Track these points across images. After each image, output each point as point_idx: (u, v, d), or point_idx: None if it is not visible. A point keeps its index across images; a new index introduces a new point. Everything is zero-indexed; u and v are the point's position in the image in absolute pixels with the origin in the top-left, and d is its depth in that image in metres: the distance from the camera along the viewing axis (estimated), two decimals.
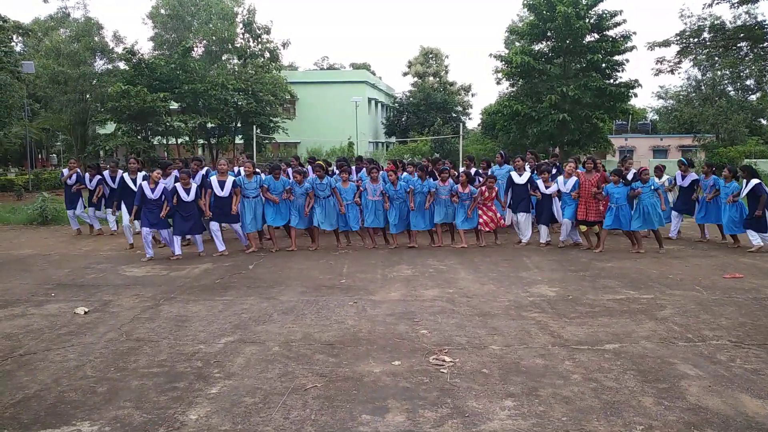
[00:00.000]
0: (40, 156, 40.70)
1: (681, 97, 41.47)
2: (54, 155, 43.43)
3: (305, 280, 8.01)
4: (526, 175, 10.73)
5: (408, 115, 47.43)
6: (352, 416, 3.83)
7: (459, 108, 51.36)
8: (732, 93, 36.58)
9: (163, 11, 34.68)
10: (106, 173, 12.36)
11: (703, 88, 37.59)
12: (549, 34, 26.92)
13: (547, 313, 6.23)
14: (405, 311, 6.34)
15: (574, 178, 10.23)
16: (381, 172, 11.06)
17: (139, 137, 28.14)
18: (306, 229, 10.63)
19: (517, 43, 30.40)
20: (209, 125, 31.38)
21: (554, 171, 11.60)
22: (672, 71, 26.57)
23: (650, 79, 36.06)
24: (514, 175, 10.80)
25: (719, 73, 33.40)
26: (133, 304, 6.74)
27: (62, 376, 4.56)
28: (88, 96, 32.70)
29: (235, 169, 11.50)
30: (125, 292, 7.34)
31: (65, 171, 12.95)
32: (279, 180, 10.23)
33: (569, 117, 25.55)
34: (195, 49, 33.46)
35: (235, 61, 35.19)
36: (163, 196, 9.60)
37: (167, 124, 28.91)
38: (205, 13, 33.93)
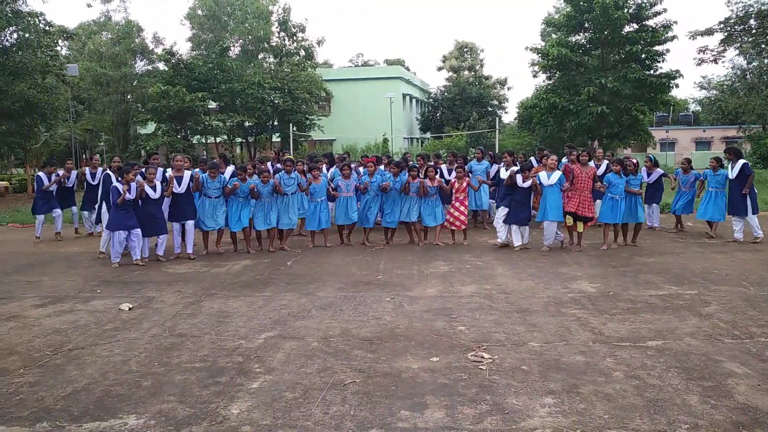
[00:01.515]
0: (84, 156, 41.85)
1: (725, 86, 40.21)
2: (97, 155, 44.65)
3: (342, 276, 8.06)
4: (513, 171, 10.17)
5: (443, 110, 47.15)
6: (390, 412, 3.85)
7: (495, 102, 50.80)
8: None
9: (200, 12, 35.30)
10: (87, 169, 12.14)
11: (748, 77, 36.32)
12: (586, 25, 26.45)
13: (587, 310, 6.14)
14: (442, 307, 6.33)
15: (558, 173, 9.68)
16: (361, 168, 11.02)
17: (178, 136, 28.74)
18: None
19: (554, 35, 29.95)
20: (247, 124, 31.84)
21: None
22: (715, 60, 25.83)
23: (692, 69, 35.22)
24: (501, 170, 10.59)
25: (766, 61, 32.26)
26: (175, 301, 6.89)
27: (109, 370, 4.70)
28: (129, 97, 33.53)
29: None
30: (167, 289, 7.50)
31: (41, 174, 12.05)
32: (245, 182, 9.80)
33: (608, 109, 25.09)
34: (231, 48, 33.99)
35: (271, 59, 35.62)
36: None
37: (206, 123, 29.46)
38: (241, 13, 34.41)
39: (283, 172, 10.15)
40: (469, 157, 14.13)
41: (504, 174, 10.32)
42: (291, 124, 31.53)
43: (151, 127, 31.77)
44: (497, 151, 24.49)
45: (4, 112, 22.05)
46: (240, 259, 9.47)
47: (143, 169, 9.86)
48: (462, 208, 10.38)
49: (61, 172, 12.23)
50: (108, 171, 10.93)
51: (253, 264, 9.08)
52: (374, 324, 5.77)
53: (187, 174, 9.61)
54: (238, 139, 34.64)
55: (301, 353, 4.97)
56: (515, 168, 10.16)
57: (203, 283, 7.78)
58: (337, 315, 6.11)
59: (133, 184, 9.17)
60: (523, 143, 35.05)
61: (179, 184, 9.53)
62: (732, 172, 10.16)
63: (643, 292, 6.87)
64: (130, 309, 6.52)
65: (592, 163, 10.22)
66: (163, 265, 9.10)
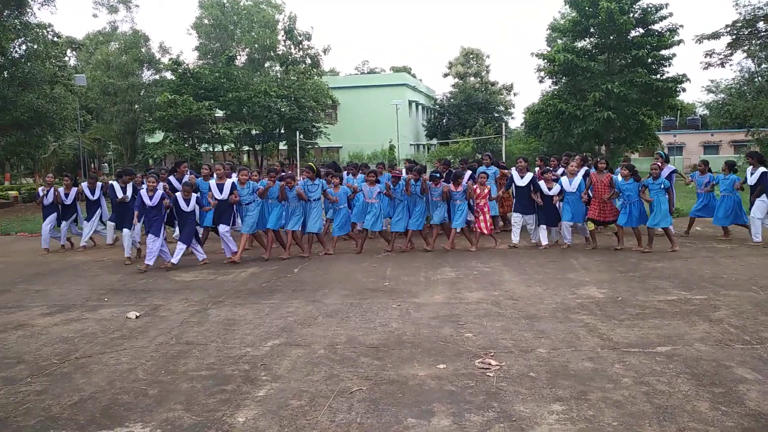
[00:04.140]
0: (92, 165, 42.14)
1: (733, 90, 40.01)
2: (105, 164, 44.97)
3: (349, 283, 8.05)
4: (528, 176, 10.54)
5: (449, 116, 47.20)
6: (397, 420, 3.82)
7: (501, 108, 50.85)
8: None
9: (206, 21, 35.55)
10: (84, 185, 12.18)
11: (757, 80, 36.15)
12: (592, 30, 26.45)
13: (595, 315, 6.09)
14: (449, 314, 6.30)
15: (579, 177, 10.16)
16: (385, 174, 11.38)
17: (186, 145, 28.87)
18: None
19: (560, 41, 29.93)
20: (253, 132, 31.96)
21: (560, 171, 11.54)
22: (722, 64, 25.70)
23: (699, 73, 35.15)
24: (515, 177, 10.68)
25: None
26: (182, 309, 6.90)
27: (115, 378, 4.70)
28: (136, 106, 33.76)
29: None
30: (174, 297, 7.51)
31: (41, 190, 12.08)
32: (274, 185, 10.23)
33: (615, 114, 25.03)
34: (238, 57, 34.18)
35: (278, 68, 35.81)
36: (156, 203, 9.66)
37: (213, 131, 29.59)
38: (247, 22, 34.63)
39: (307, 179, 10.38)
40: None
41: (518, 180, 10.60)
42: (297, 132, 31.63)
43: (158, 136, 31.93)
44: (503, 157, 24.42)
45: (14, 122, 22.24)
46: (247, 267, 9.48)
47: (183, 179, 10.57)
48: (480, 215, 10.41)
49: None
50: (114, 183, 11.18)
51: (260, 271, 9.09)
52: (381, 331, 5.75)
53: (228, 181, 9.98)
54: (245, 147, 34.77)
55: (308, 361, 4.96)
56: (529, 175, 10.58)
57: (210, 291, 7.79)
58: (344, 322, 6.10)
59: (159, 190, 9.66)
60: (530, 149, 34.98)
61: (221, 191, 9.91)
62: (752, 177, 10.25)
63: (652, 297, 6.81)
64: (137, 317, 6.53)
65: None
66: (170, 273, 9.11)
